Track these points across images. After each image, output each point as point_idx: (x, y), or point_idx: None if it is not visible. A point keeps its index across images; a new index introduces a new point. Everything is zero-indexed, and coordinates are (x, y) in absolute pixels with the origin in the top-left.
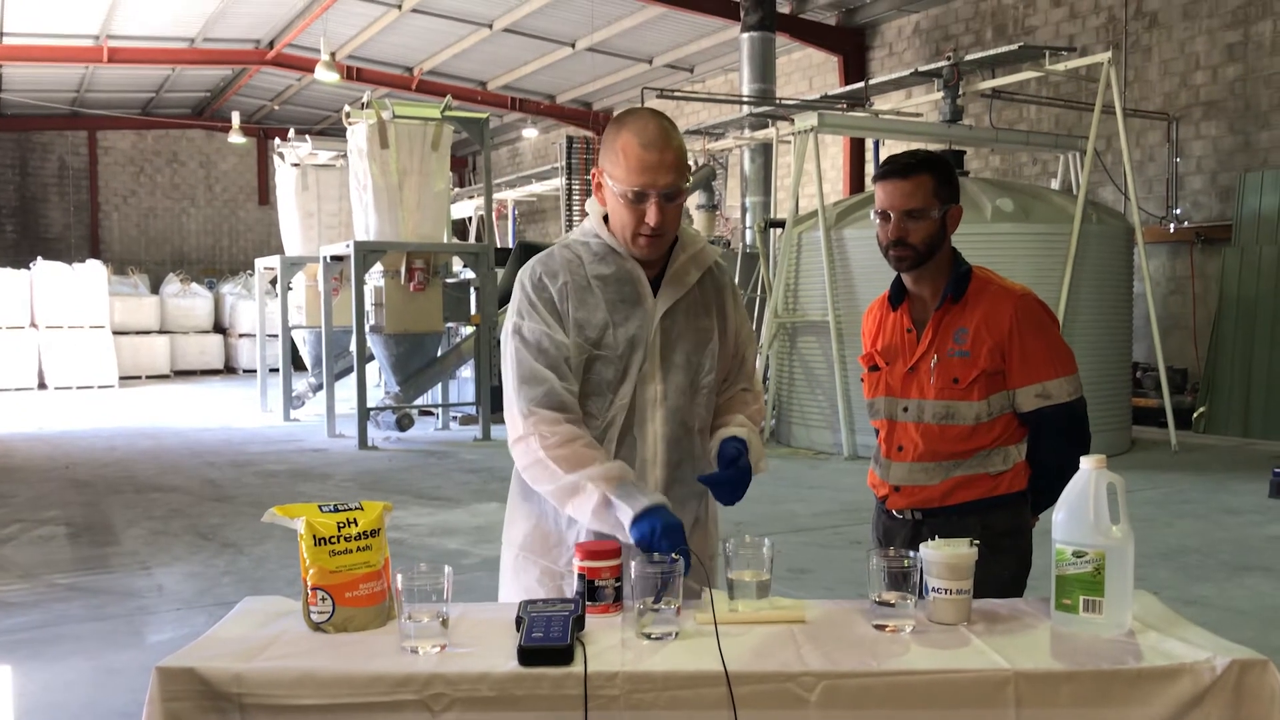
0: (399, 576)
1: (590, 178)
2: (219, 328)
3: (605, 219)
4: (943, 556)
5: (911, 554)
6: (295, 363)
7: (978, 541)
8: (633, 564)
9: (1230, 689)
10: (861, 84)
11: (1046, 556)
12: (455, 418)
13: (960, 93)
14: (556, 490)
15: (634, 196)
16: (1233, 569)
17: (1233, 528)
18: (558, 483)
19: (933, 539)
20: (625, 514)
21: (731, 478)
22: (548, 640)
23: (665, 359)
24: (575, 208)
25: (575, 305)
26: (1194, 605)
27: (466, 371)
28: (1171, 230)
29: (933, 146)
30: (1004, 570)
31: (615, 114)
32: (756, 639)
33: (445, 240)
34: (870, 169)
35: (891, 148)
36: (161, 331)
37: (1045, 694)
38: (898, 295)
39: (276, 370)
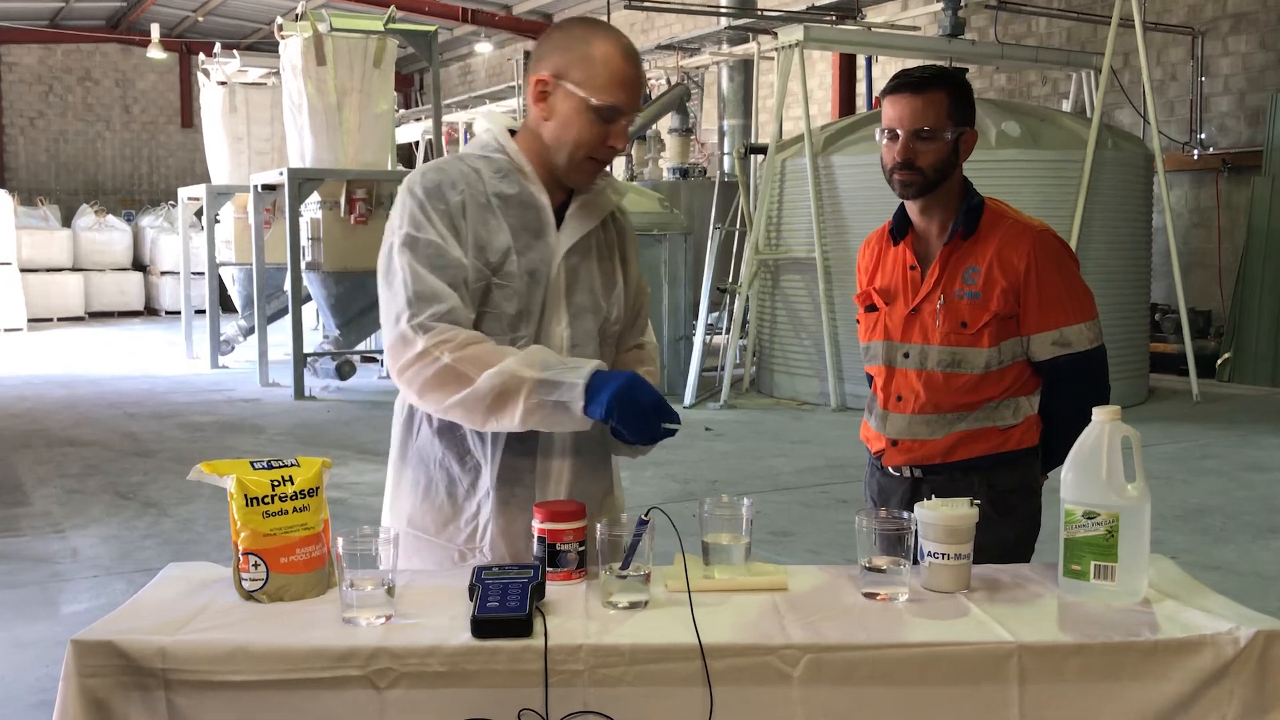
0: (339, 540)
1: (533, 85)
2: (139, 265)
3: (513, 133)
4: (940, 518)
5: (905, 515)
6: (223, 304)
7: (979, 501)
8: (598, 526)
9: (1255, 662)
10: None
11: (1053, 518)
12: None
13: (962, 3)
14: (471, 399)
15: (607, 112)
16: (1258, 531)
17: (1259, 486)
18: (472, 388)
19: (931, 498)
20: (570, 390)
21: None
22: (504, 610)
23: (570, 300)
24: None
25: (475, 223)
26: (1216, 571)
27: None
28: (1195, 157)
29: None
30: (1010, 533)
31: (560, 18)
32: (734, 608)
33: (390, 167)
34: (862, 89)
35: (886, 65)
36: (75, 269)
37: (1052, 668)
38: (901, 228)
39: (203, 312)
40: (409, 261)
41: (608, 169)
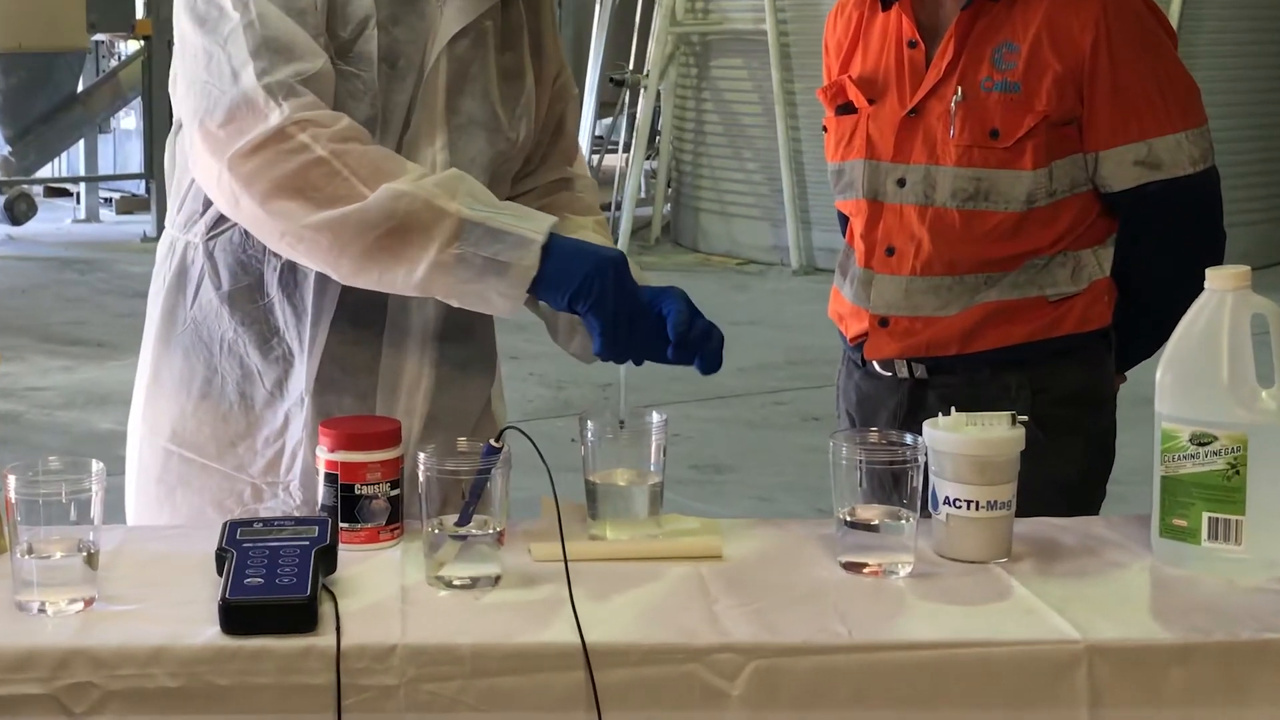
0: (10, 479)
1: None
2: None
3: None
4: (967, 443)
5: (910, 438)
6: None
7: (1025, 417)
8: (420, 457)
9: None
10: None
11: (1143, 444)
12: (108, 201)
13: None
14: (353, 223)
15: None
16: None
17: None
18: (358, 206)
19: (946, 412)
20: (519, 247)
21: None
22: (272, 590)
23: (453, 108)
24: None
25: None
26: None
27: (128, 121)
28: None
29: None
30: (1070, 466)
31: None
32: (638, 588)
33: None
34: None
35: None
36: None
37: (1141, 681)
38: None
39: None
40: (247, 2)
41: None
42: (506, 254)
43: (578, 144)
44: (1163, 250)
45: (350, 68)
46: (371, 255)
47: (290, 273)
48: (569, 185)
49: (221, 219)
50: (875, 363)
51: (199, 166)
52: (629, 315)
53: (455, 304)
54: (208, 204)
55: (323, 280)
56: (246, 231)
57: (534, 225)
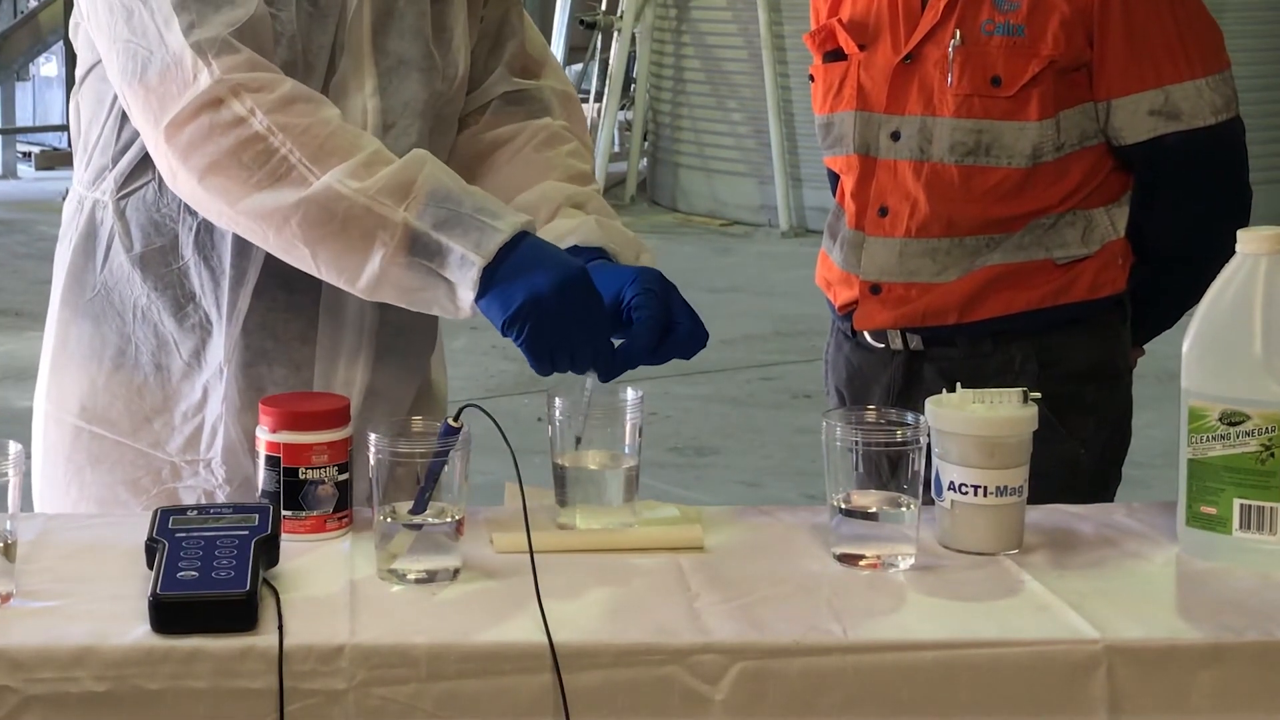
0: None
1: None
2: None
3: None
4: (974, 423)
5: (911, 417)
6: None
7: (1038, 395)
8: (370, 439)
9: None
10: None
11: (1167, 424)
12: (26, 156)
13: None
14: (292, 215)
15: None
16: None
17: None
18: (300, 197)
19: (950, 388)
20: (458, 267)
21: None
22: (208, 585)
23: (380, 50)
24: None
25: None
26: None
27: (49, 68)
28: None
29: None
30: (1082, 448)
31: None
32: (610, 582)
33: None
34: None
35: None
36: None
37: (1166, 686)
38: None
39: None
40: None
41: None
42: (451, 270)
43: (532, 50)
44: (1181, 209)
45: (268, 7)
46: (310, 253)
47: (207, 234)
48: (528, 101)
49: (133, 175)
50: (867, 334)
51: (139, 128)
52: (560, 349)
53: (406, 305)
54: (117, 158)
55: (242, 242)
56: (160, 188)
57: (479, 242)
